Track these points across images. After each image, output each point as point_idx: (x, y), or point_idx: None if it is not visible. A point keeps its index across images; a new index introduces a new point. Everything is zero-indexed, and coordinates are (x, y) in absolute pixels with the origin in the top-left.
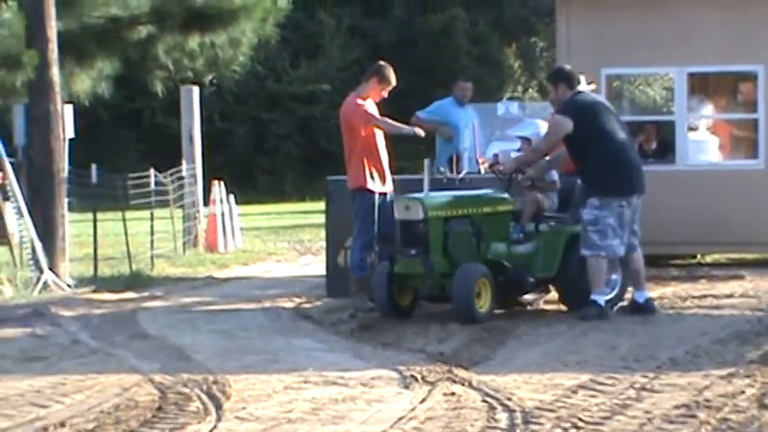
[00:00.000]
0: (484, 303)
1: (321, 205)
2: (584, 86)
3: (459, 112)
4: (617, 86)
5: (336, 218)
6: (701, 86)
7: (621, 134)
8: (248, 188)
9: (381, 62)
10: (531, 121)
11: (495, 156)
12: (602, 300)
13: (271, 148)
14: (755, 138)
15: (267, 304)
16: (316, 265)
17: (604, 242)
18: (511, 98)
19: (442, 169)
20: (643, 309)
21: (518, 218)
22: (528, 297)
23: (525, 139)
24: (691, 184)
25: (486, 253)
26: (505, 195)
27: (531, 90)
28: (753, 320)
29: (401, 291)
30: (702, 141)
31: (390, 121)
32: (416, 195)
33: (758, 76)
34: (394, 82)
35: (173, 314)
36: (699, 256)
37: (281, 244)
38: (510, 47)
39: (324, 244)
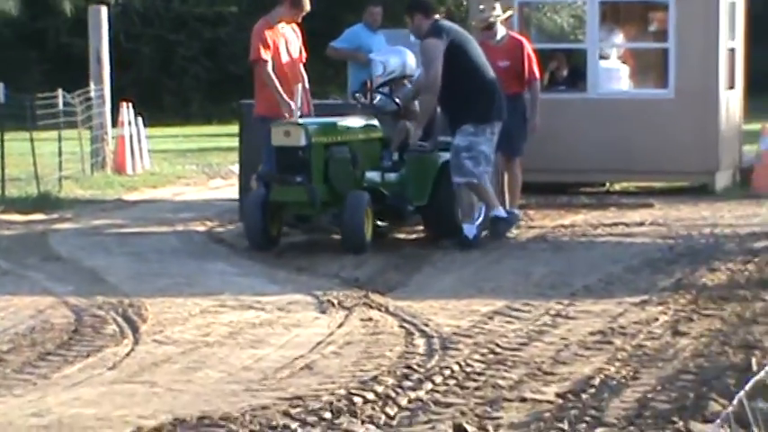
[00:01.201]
0: (368, 232)
1: (228, 128)
2: (498, 12)
3: (371, 37)
4: (526, 14)
5: (249, 142)
6: (613, 15)
7: (484, 59)
8: (155, 110)
9: None
10: (397, 48)
11: (364, 83)
12: (471, 232)
13: (177, 69)
14: (665, 67)
15: (179, 228)
16: (226, 189)
17: (477, 169)
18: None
19: (357, 95)
20: (473, 245)
21: (387, 145)
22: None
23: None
24: (601, 113)
25: (362, 181)
26: (375, 122)
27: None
28: (664, 248)
29: (273, 220)
30: (613, 70)
31: (277, 83)
32: (297, 120)
33: (669, 6)
34: (308, 7)
35: (84, 236)
36: (608, 183)
37: (190, 167)
38: None
39: (233, 168)
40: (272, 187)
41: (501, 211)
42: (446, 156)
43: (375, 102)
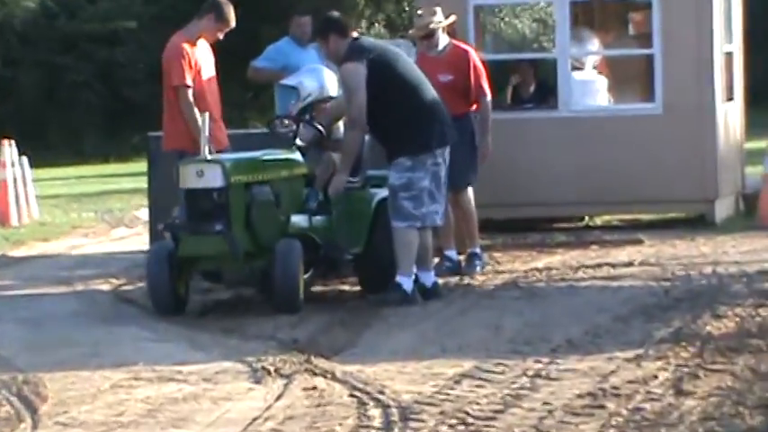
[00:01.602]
0: (302, 287)
1: (129, 167)
2: (439, 17)
3: (300, 53)
4: (482, 20)
5: (161, 182)
6: (586, 17)
7: (420, 77)
8: (41, 147)
9: None
10: (311, 67)
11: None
12: (408, 282)
13: (65, 98)
14: (651, 77)
15: (79, 287)
16: (132, 240)
17: (420, 210)
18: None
19: (272, 124)
20: (431, 294)
21: (311, 183)
22: None
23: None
24: (576, 133)
25: (287, 226)
26: (297, 156)
27: (377, 25)
28: (658, 293)
29: (180, 278)
30: (589, 82)
31: (198, 116)
32: (213, 157)
33: (652, 5)
34: (233, 23)
35: None
36: (587, 217)
37: (87, 214)
38: None
39: (139, 214)
40: (182, 239)
41: (453, 254)
42: (381, 192)
43: (292, 130)
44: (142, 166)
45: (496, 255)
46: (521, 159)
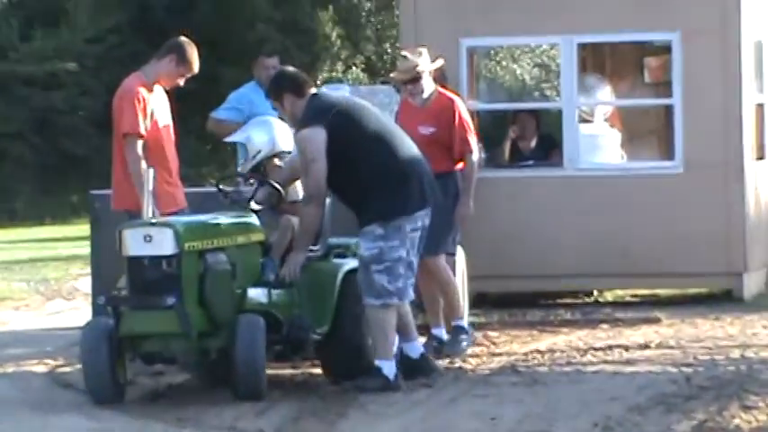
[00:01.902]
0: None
1: (66, 230)
2: (426, 60)
3: (266, 100)
4: (476, 64)
5: (105, 247)
6: (596, 62)
7: (393, 131)
8: None
9: (183, 38)
10: (260, 119)
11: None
12: (389, 367)
13: None
14: (670, 131)
15: (9, 369)
16: (70, 314)
17: (395, 284)
18: (331, 80)
19: (238, 181)
20: (419, 366)
21: (267, 251)
22: None
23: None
24: (584, 195)
25: (245, 301)
26: (253, 219)
27: (354, 68)
28: (679, 380)
29: (120, 361)
30: (598, 136)
31: (143, 172)
32: (162, 220)
33: (672, 48)
34: (197, 68)
35: None
36: (596, 292)
37: (18, 285)
38: (325, 10)
39: (80, 284)
40: (125, 314)
41: (441, 332)
42: (347, 263)
43: (245, 191)
44: (83, 228)
45: (492, 334)
46: (520, 224)
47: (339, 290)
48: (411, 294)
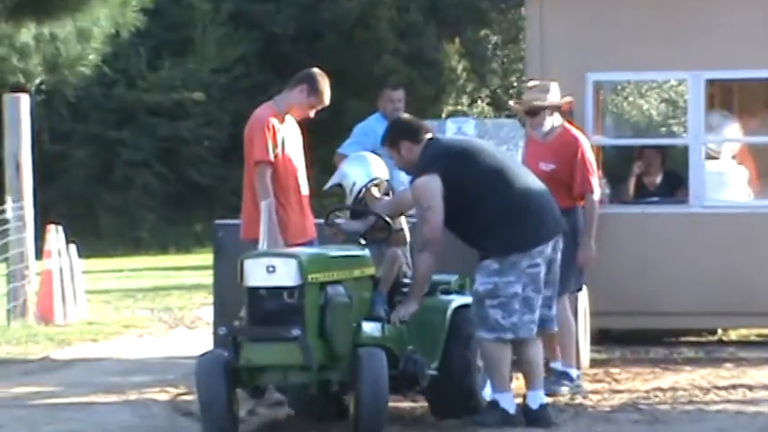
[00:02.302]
0: None
1: (191, 259)
2: (553, 95)
3: None
4: (602, 98)
5: (227, 277)
6: (724, 98)
7: (511, 167)
8: (91, 235)
9: (316, 69)
10: (359, 155)
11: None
12: (507, 400)
13: (121, 179)
14: None
15: (132, 396)
16: (192, 342)
17: (510, 320)
18: (456, 113)
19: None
20: (537, 418)
21: (376, 285)
22: None
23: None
24: (710, 233)
25: (359, 335)
26: (366, 253)
27: (480, 102)
28: None
29: (235, 394)
30: (726, 174)
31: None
32: (286, 251)
33: None
34: (328, 100)
35: (1, 410)
36: (720, 331)
37: (142, 313)
38: (452, 42)
39: (202, 313)
40: (244, 346)
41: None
42: (456, 299)
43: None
44: (206, 258)
45: (614, 371)
46: (644, 261)
47: (449, 327)
48: (532, 331)
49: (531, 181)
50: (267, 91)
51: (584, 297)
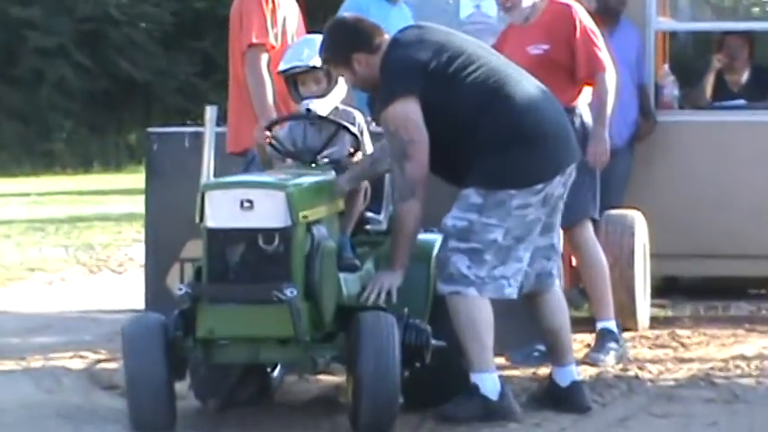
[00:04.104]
0: None
1: (121, 180)
2: None
3: (387, 11)
4: None
5: (164, 202)
6: None
7: (509, 74)
8: None
9: None
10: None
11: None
12: (490, 381)
13: (27, 72)
14: None
15: (36, 363)
16: (120, 292)
17: (477, 272)
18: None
19: (367, 119)
20: (567, 398)
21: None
22: None
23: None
24: None
25: (340, 292)
26: (336, 178)
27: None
28: None
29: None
30: None
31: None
32: (267, 179)
33: None
34: None
35: None
36: None
37: (54, 252)
38: None
39: (135, 252)
40: (204, 311)
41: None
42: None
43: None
44: (141, 178)
45: (681, 333)
46: (726, 186)
47: (435, 277)
48: (503, 290)
49: (538, 93)
50: None
51: (641, 232)
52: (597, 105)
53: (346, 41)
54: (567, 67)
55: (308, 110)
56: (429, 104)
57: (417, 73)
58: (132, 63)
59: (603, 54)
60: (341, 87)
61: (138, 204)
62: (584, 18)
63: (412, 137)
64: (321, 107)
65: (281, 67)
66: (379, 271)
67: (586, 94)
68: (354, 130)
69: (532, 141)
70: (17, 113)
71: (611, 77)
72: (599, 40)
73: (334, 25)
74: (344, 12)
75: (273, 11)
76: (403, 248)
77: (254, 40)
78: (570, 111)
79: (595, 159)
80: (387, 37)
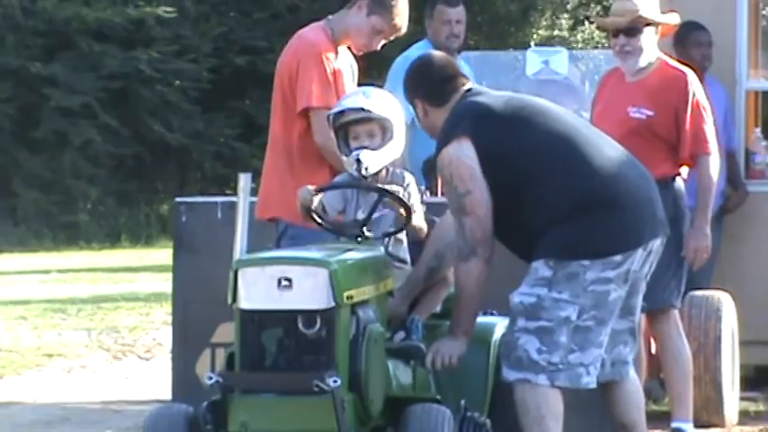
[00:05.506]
0: None
1: (151, 255)
2: (650, 4)
3: None
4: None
5: (193, 281)
6: None
7: (586, 136)
8: (2, 217)
9: None
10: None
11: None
12: None
13: (49, 135)
14: None
15: None
16: (146, 379)
17: (548, 356)
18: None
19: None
20: None
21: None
22: None
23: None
24: None
25: (389, 380)
26: (384, 255)
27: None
28: None
29: None
30: None
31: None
32: (307, 254)
33: None
34: (403, 24)
35: None
36: None
37: (75, 335)
38: None
39: (164, 337)
40: (237, 403)
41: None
42: (502, 321)
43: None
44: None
45: None
46: None
47: (495, 365)
48: (580, 380)
49: (619, 157)
50: (267, 5)
51: (729, 315)
52: (699, 193)
53: (411, 83)
54: (669, 140)
55: (359, 160)
56: (491, 156)
57: (478, 116)
58: (165, 125)
59: (711, 136)
60: (396, 146)
61: (169, 283)
62: (697, 91)
63: (467, 187)
64: (372, 160)
65: (334, 109)
66: (439, 339)
67: (683, 172)
68: (404, 195)
69: (610, 208)
70: (37, 181)
71: (715, 163)
72: (710, 118)
73: (417, 59)
74: (390, 81)
75: (335, 71)
76: (465, 314)
77: (315, 104)
78: (663, 184)
79: (695, 256)
80: (465, 89)
